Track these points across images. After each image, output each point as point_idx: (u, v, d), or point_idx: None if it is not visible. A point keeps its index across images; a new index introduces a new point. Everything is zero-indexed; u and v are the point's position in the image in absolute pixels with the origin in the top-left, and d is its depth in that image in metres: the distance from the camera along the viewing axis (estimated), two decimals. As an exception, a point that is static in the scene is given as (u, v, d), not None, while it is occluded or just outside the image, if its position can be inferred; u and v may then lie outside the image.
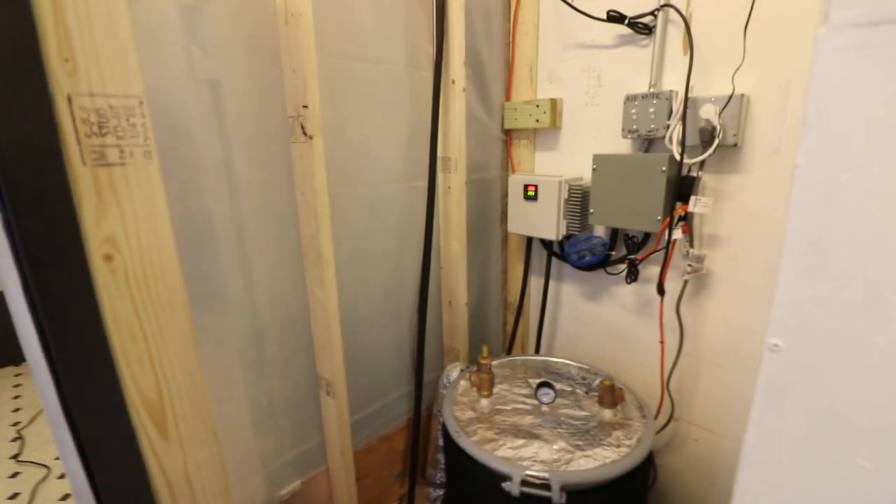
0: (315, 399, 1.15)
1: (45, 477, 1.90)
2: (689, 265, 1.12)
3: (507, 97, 1.48)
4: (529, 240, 1.52)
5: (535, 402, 1.11)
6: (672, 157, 1.08)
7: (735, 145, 1.05)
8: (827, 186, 0.34)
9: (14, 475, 1.91)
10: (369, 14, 1.09)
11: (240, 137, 0.91)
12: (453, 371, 1.34)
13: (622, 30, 1.19)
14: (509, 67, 1.46)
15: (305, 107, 0.90)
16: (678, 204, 1.10)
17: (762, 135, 1.04)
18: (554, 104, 1.35)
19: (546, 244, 1.47)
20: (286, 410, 1.09)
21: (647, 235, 1.24)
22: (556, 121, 1.37)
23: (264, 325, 1.01)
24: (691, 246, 1.13)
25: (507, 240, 1.61)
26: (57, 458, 2.01)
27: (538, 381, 1.17)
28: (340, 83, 1.06)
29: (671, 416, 1.29)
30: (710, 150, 1.02)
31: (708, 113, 1.02)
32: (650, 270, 1.28)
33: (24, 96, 0.30)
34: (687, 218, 1.11)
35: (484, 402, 1.13)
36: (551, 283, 1.53)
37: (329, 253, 1.00)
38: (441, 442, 1.32)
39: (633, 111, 1.15)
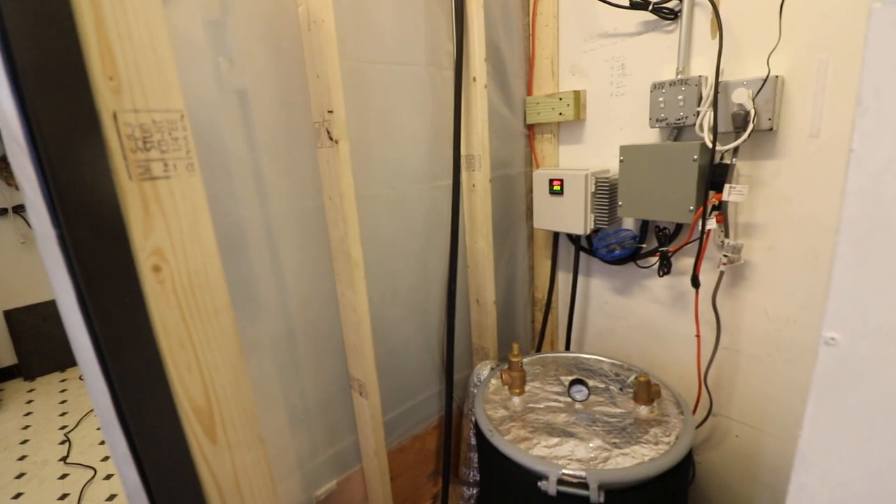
0: (348, 399, 1.16)
1: (92, 478, 1.98)
2: (725, 256, 1.08)
3: (529, 91, 1.46)
4: (556, 235, 1.50)
5: (568, 399, 1.10)
6: (703, 145, 1.05)
7: (770, 130, 1.01)
8: (885, 171, 0.32)
9: (63, 476, 2.00)
10: (389, 16, 1.09)
11: (267, 144, 0.93)
12: (483, 369, 1.33)
13: (646, 16, 1.16)
14: (530, 61, 1.44)
15: (331, 112, 0.91)
16: (711, 193, 1.07)
17: (799, 117, 0.99)
18: (577, 96, 1.33)
19: (573, 239, 1.45)
20: (320, 411, 1.11)
21: (678, 227, 1.21)
22: (580, 113, 1.35)
23: (297, 328, 1.03)
24: (726, 236, 1.10)
25: (532, 236, 1.60)
26: (103, 460, 2.10)
27: (570, 378, 1.16)
28: (363, 86, 1.07)
29: (709, 412, 1.25)
30: (745, 136, 0.99)
31: (741, 97, 0.98)
32: (683, 262, 1.24)
33: (72, 115, 0.31)
34: (721, 207, 1.08)
35: (516, 400, 1.12)
36: (580, 279, 1.50)
37: (358, 255, 1.01)
38: (473, 441, 1.32)
39: (661, 99, 1.12)
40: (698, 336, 1.20)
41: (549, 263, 1.55)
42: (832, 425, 0.37)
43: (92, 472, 2.02)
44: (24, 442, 2.26)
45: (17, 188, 2.78)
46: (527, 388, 1.16)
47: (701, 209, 1.07)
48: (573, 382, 1.11)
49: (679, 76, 1.11)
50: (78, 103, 0.32)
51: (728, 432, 1.26)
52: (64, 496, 1.89)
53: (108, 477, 2.00)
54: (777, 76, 0.98)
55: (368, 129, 1.09)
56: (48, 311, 2.95)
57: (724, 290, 1.17)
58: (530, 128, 1.50)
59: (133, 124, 0.36)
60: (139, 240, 0.37)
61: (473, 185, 1.32)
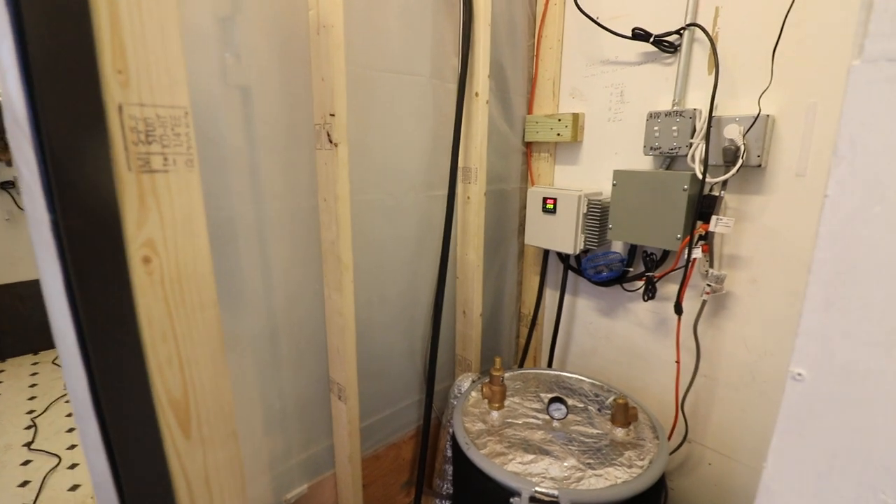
0: (326, 403, 1.16)
1: (56, 466, 1.93)
2: (709, 285, 1.10)
3: (529, 110, 1.49)
4: (546, 253, 1.52)
5: (547, 416, 1.10)
6: (694, 176, 1.07)
7: (759, 166, 1.04)
8: (857, 218, 0.33)
9: (26, 463, 1.95)
10: (397, 27, 1.11)
11: (266, 142, 0.93)
12: (465, 381, 1.34)
13: (647, 47, 1.20)
14: (532, 81, 1.47)
15: (332, 115, 0.92)
16: (699, 223, 1.09)
17: (787, 156, 1.03)
18: (576, 118, 1.36)
19: (563, 258, 1.47)
20: (297, 413, 1.10)
21: (665, 253, 1.23)
22: (578, 135, 1.38)
23: (280, 327, 1.03)
24: (711, 266, 1.12)
25: (523, 252, 1.61)
26: (69, 448, 2.04)
27: (550, 395, 1.17)
28: (366, 93, 1.08)
29: (685, 438, 1.26)
30: (734, 171, 1.01)
31: (732, 133, 1.01)
32: (668, 288, 1.26)
33: (78, 104, 0.32)
34: (707, 237, 1.10)
35: (495, 414, 1.12)
36: (566, 297, 1.52)
37: (348, 259, 1.01)
38: (450, 453, 1.32)
39: (656, 128, 1.15)
40: (678, 362, 1.21)
41: (537, 280, 1.57)
42: (795, 460, 0.38)
43: (56, 460, 1.96)
44: (-11, 424, 2.20)
45: (7, 164, 2.73)
46: (506, 402, 1.16)
47: (688, 238, 1.09)
48: (552, 400, 1.12)
49: (675, 107, 1.14)
50: (85, 93, 0.33)
51: (702, 459, 1.28)
52: (25, 483, 1.83)
53: (73, 466, 1.94)
54: (768, 115, 1.01)
55: (368, 135, 1.10)
56: (27, 291, 2.89)
57: (706, 318, 1.19)
58: (528, 145, 1.52)
59: (137, 117, 0.37)
60: (132, 230, 0.37)
61: (468, 198, 1.34)
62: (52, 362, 2.86)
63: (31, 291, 2.88)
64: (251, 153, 0.91)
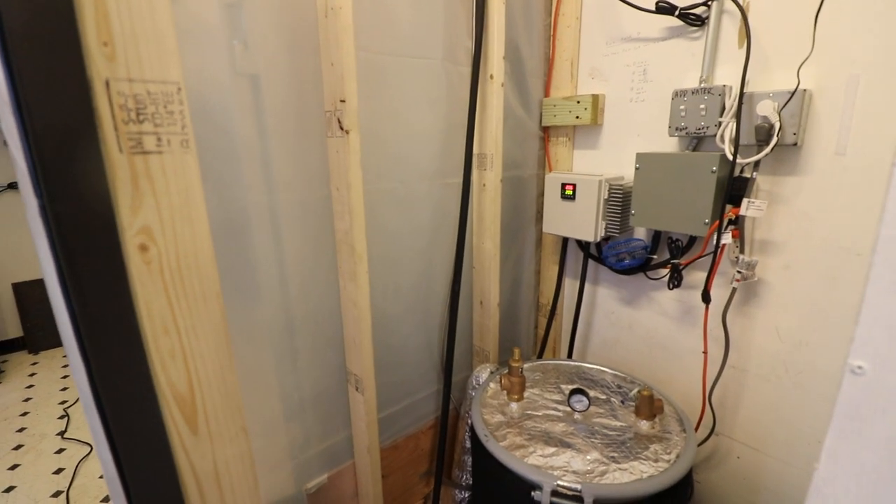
0: (344, 394, 1.15)
1: (88, 454, 1.99)
2: (739, 272, 1.05)
3: (546, 93, 1.44)
4: (565, 241, 1.48)
5: (568, 409, 1.07)
6: (724, 157, 1.01)
7: (794, 145, 0.97)
8: (931, 188, 0.29)
9: (59, 451, 2.01)
10: (407, 8, 1.07)
11: (277, 131, 0.91)
12: (482, 372, 1.31)
13: (672, 21, 1.13)
14: (549, 62, 1.42)
15: (343, 101, 0.89)
16: (728, 207, 1.03)
17: (825, 134, 0.96)
18: (596, 100, 1.30)
19: (583, 246, 1.42)
20: (315, 404, 1.10)
21: (692, 239, 1.18)
22: (598, 118, 1.32)
23: (296, 319, 1.02)
24: (741, 252, 1.06)
25: (541, 240, 1.57)
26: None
27: (571, 387, 1.13)
28: (377, 78, 1.05)
29: (712, 431, 1.22)
30: (767, 150, 0.95)
31: (766, 109, 0.95)
32: (694, 276, 1.21)
33: (62, 80, 0.30)
34: (738, 222, 1.04)
35: (514, 406, 1.10)
36: (587, 286, 1.47)
37: (362, 249, 0.99)
38: (468, 444, 1.30)
39: (682, 107, 1.09)
40: (705, 352, 1.16)
41: (555, 269, 1.52)
42: (853, 460, 0.34)
43: (88, 449, 2.03)
44: (24, 414, 2.28)
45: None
46: (526, 394, 1.13)
47: (717, 223, 1.04)
48: (574, 392, 1.08)
49: (702, 84, 1.08)
50: (68, 67, 0.30)
51: (729, 453, 1.23)
52: (59, 470, 1.89)
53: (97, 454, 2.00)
54: (805, 90, 0.94)
55: (380, 121, 1.07)
56: (55, 286, 2.97)
57: (736, 307, 1.14)
58: (545, 130, 1.47)
59: (126, 94, 0.34)
60: (126, 217, 0.35)
61: (484, 185, 1.30)
62: (81, 354, 2.95)
63: (59, 286, 2.97)
64: (262, 142, 0.90)
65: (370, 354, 1.07)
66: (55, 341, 3.01)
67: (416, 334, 1.29)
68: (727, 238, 1.04)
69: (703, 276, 1.15)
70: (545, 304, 1.59)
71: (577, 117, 1.34)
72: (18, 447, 2.04)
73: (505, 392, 1.13)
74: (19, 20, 0.28)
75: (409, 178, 1.17)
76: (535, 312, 1.65)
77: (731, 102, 1.02)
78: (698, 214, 1.06)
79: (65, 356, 2.91)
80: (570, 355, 1.55)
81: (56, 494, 1.77)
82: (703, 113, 1.06)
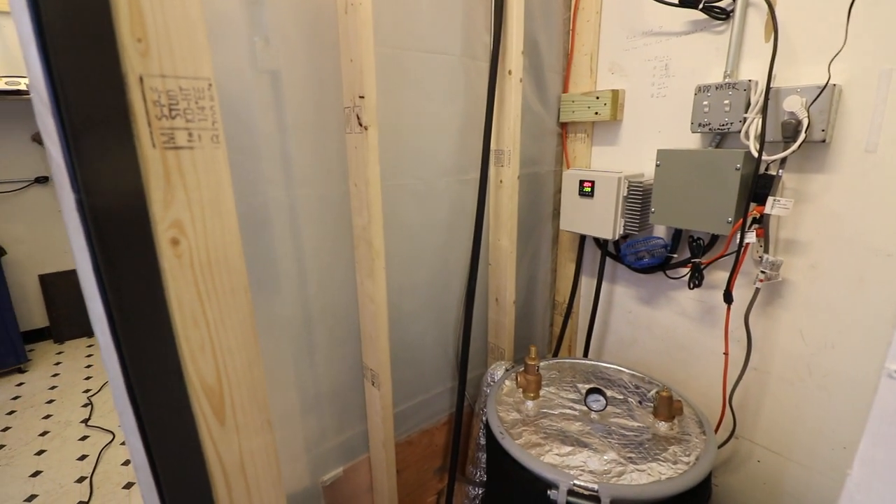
0: (360, 388, 1.16)
1: (110, 442, 2.04)
2: (763, 272, 1.03)
3: (565, 89, 1.42)
4: (582, 238, 1.46)
5: (584, 408, 1.07)
6: (748, 154, 0.99)
7: (823, 141, 0.94)
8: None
9: (83, 438, 2.07)
10: (426, 4, 1.07)
11: (296, 127, 0.92)
12: (498, 370, 1.31)
13: (695, 14, 1.11)
14: (568, 57, 1.40)
15: (362, 97, 0.90)
16: (753, 205, 1.01)
17: (855, 130, 0.93)
18: (615, 96, 1.28)
19: (601, 243, 1.41)
20: (331, 397, 1.11)
21: (714, 238, 1.16)
22: (617, 114, 1.30)
23: (314, 313, 1.03)
24: (766, 251, 1.04)
25: (558, 237, 1.56)
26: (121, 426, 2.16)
27: (588, 386, 1.12)
28: (396, 73, 1.05)
29: (732, 433, 1.20)
30: (795, 147, 0.93)
31: (793, 105, 0.92)
32: (716, 276, 1.19)
33: (98, 76, 0.30)
34: (762, 220, 1.02)
35: (530, 404, 1.09)
36: (604, 285, 1.46)
37: (380, 245, 0.99)
38: (483, 441, 1.30)
39: (705, 103, 1.07)
40: (727, 354, 1.14)
41: (572, 267, 1.51)
42: (889, 467, 0.33)
43: (111, 436, 2.08)
44: (50, 402, 2.35)
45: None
46: (542, 392, 1.13)
47: (740, 221, 1.02)
48: (590, 391, 1.07)
49: (727, 79, 1.06)
50: (104, 64, 0.31)
51: (750, 456, 1.21)
52: (83, 457, 1.95)
53: (125, 443, 2.05)
54: (834, 85, 0.91)
55: (398, 117, 1.08)
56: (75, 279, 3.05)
57: (759, 307, 1.11)
58: (563, 126, 1.45)
59: (160, 90, 0.35)
60: (159, 211, 0.36)
61: (501, 181, 1.29)
62: (104, 345, 3.03)
63: (83, 278, 3.05)
64: (282, 138, 0.90)
65: (386, 350, 1.07)
66: (80, 331, 3.09)
67: (431, 330, 1.29)
68: (751, 237, 1.02)
69: (724, 275, 1.13)
70: (561, 302, 1.58)
71: (597, 113, 1.32)
72: (44, 433, 2.10)
73: (520, 390, 1.13)
74: (57, 19, 0.29)
75: (426, 174, 1.17)
76: (550, 310, 1.64)
77: (756, 98, 0.99)
78: (721, 212, 1.04)
79: (89, 346, 2.99)
80: (586, 354, 1.53)
81: (80, 480, 1.82)
82: (728, 109, 1.03)
